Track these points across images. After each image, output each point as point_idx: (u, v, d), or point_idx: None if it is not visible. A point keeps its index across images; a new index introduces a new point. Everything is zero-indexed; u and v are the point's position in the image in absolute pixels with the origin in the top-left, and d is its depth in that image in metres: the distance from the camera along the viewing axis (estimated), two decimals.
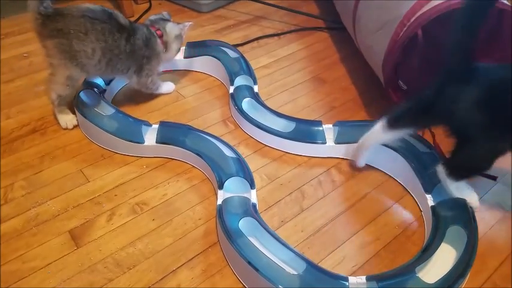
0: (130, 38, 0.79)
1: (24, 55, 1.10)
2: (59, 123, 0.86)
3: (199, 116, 0.91)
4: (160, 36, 0.85)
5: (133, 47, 0.80)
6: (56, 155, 0.81)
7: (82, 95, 0.85)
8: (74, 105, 0.85)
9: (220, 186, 0.69)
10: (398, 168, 0.75)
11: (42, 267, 0.62)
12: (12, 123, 0.88)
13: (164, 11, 0.92)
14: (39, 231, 0.67)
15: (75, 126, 0.85)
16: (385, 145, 0.76)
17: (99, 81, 0.91)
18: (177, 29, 0.88)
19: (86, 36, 0.75)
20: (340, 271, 0.61)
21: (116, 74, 0.86)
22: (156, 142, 0.79)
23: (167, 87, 0.94)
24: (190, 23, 0.91)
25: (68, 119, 0.85)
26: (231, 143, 0.81)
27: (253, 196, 0.69)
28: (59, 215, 0.70)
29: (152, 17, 0.89)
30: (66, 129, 0.85)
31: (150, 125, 0.82)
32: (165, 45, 0.87)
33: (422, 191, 0.70)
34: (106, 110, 0.83)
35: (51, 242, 0.65)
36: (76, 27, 0.74)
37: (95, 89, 0.87)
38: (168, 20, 0.89)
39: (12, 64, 1.07)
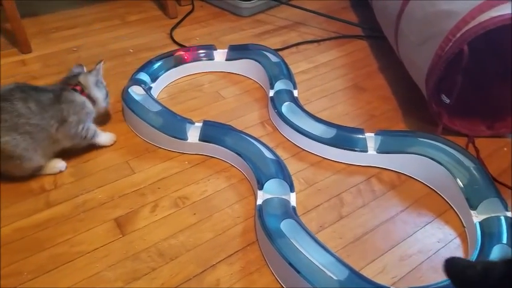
0: (28, 99, 0.71)
1: (74, 49, 1.16)
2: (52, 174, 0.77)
3: (238, 117, 0.93)
4: (82, 91, 0.79)
5: (42, 104, 0.72)
6: (103, 145, 0.84)
7: (130, 91, 0.89)
8: (122, 99, 0.89)
9: (260, 187, 0.70)
10: (442, 182, 0.74)
11: (89, 251, 0.65)
12: None
13: (74, 66, 0.85)
14: (86, 217, 0.70)
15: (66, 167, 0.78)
16: (430, 158, 0.75)
17: (146, 78, 0.95)
18: (92, 77, 0.82)
19: None
20: (379, 281, 0.61)
21: (48, 139, 0.75)
22: (199, 140, 0.81)
23: (106, 137, 0.83)
24: (101, 62, 0.84)
25: (54, 165, 0.77)
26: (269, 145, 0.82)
27: (292, 199, 0.70)
28: (105, 203, 0.72)
29: (63, 80, 0.82)
30: (60, 171, 0.77)
31: (194, 123, 0.85)
32: (89, 97, 0.80)
33: (467, 206, 0.68)
34: (153, 106, 0.86)
35: (97, 229, 0.68)
36: None
37: (142, 86, 0.91)
38: (79, 73, 0.82)
39: (62, 57, 1.12)
